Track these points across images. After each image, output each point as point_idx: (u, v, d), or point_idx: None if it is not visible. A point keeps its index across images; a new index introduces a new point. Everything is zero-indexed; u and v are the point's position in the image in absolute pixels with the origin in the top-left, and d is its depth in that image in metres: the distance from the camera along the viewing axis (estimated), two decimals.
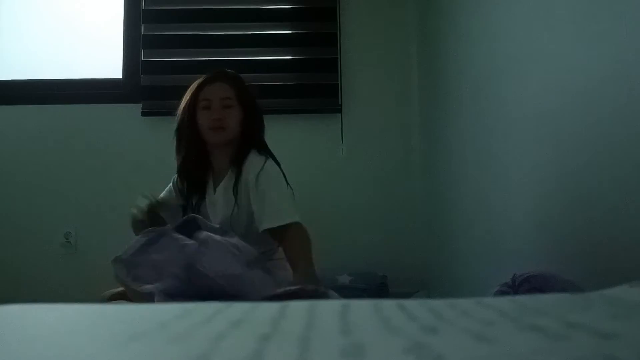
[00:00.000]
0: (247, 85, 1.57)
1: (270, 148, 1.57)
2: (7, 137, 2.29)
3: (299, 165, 2.37)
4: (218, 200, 1.46)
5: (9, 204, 2.25)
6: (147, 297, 1.06)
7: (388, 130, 2.38)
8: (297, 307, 0.40)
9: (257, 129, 1.53)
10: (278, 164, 1.49)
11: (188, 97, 1.50)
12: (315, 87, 2.35)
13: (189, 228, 1.23)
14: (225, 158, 1.49)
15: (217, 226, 1.30)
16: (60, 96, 2.33)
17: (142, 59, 2.32)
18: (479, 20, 1.60)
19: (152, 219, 1.43)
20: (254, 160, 1.44)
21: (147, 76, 2.31)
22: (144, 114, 2.28)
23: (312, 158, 2.34)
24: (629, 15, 0.88)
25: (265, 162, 1.43)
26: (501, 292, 1.00)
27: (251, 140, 1.49)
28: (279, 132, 2.39)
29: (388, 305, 0.41)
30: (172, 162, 2.43)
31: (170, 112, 2.39)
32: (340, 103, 2.33)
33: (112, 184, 2.29)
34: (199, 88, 1.48)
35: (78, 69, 2.41)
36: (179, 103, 1.56)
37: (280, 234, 1.35)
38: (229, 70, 1.60)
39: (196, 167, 1.50)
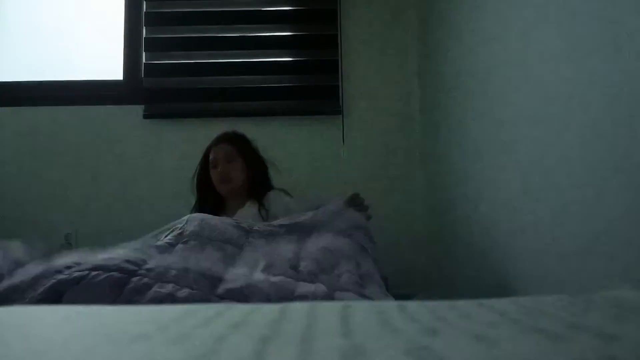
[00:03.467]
0: (247, 140, 1.90)
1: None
2: (8, 139, 2.30)
3: (300, 167, 2.37)
4: (241, 215, 1.71)
5: (10, 205, 2.25)
6: None
7: (389, 131, 2.38)
8: (298, 309, 0.40)
9: (261, 172, 1.86)
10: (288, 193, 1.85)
11: (202, 156, 1.87)
12: (316, 89, 2.35)
13: None
14: (238, 201, 1.80)
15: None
16: (62, 98, 2.33)
17: (144, 61, 2.33)
18: (479, 21, 1.60)
19: None
20: (276, 196, 1.79)
21: (149, 78, 2.31)
22: (145, 116, 2.28)
23: (313, 160, 2.34)
24: (629, 16, 0.88)
25: (286, 198, 1.80)
26: None
27: (257, 183, 1.82)
28: (280, 134, 2.40)
29: (389, 306, 0.41)
30: (172, 163, 2.44)
31: (172, 114, 2.41)
32: (341, 105, 2.34)
33: (113, 186, 2.29)
34: (209, 149, 1.85)
35: (79, 71, 2.41)
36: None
37: None
38: (229, 131, 1.91)
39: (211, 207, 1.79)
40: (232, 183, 1.78)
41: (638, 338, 0.30)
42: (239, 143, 1.85)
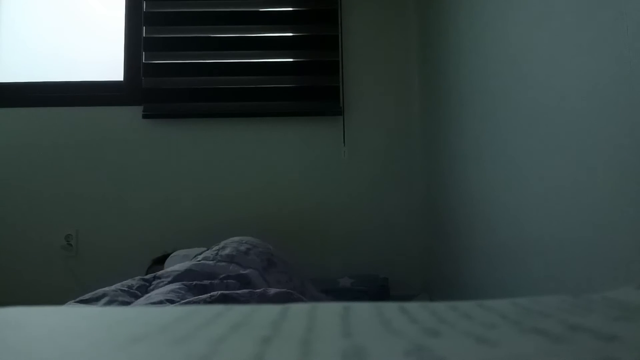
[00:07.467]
0: None
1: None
2: (8, 140, 2.30)
3: (301, 168, 2.37)
4: None
5: (10, 206, 2.26)
6: None
7: (389, 132, 2.38)
8: (298, 310, 0.40)
9: None
10: None
11: None
12: (317, 90, 2.36)
13: None
14: None
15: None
16: (61, 98, 2.34)
17: (144, 61, 2.33)
18: (479, 21, 1.60)
19: None
20: None
21: (149, 78, 2.32)
22: (145, 116, 2.29)
23: (313, 160, 2.34)
24: (631, 14, 0.88)
25: None
26: None
27: None
28: (281, 134, 2.40)
29: (389, 307, 0.41)
30: (172, 164, 2.46)
31: (172, 114, 2.42)
32: (341, 105, 2.34)
33: (113, 186, 2.29)
34: None
35: (79, 72, 2.42)
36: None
37: None
38: None
39: None
40: None
41: (639, 339, 0.29)
42: None
